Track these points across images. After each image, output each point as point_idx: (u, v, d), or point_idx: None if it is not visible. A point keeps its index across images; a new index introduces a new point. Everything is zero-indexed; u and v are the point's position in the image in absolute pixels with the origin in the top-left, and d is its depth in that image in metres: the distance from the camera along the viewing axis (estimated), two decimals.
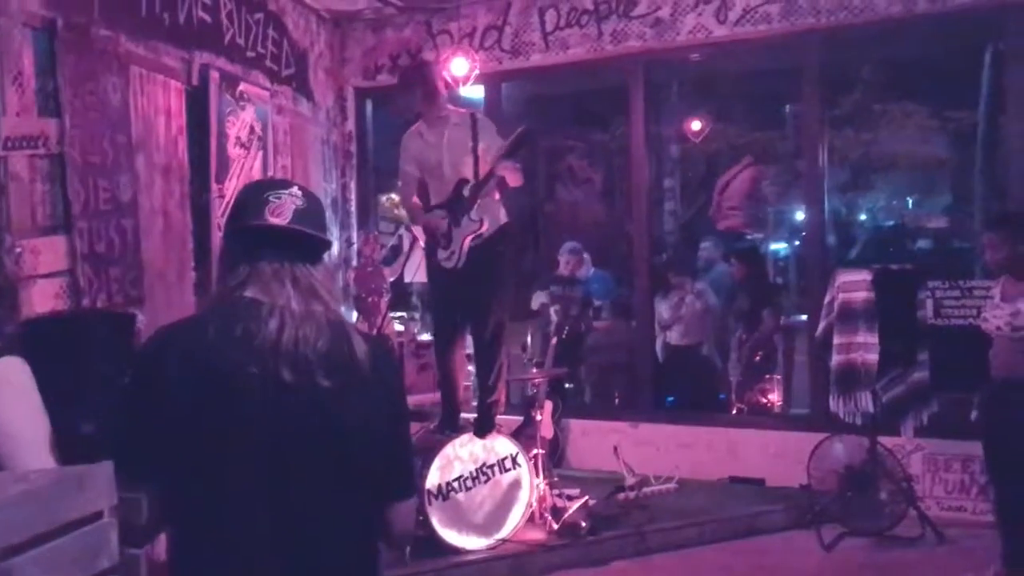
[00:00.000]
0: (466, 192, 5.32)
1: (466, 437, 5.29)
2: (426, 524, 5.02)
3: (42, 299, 4.40)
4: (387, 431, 1.92)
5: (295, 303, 1.85)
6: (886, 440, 5.81)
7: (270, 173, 6.54)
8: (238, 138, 6.10)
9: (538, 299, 8.29)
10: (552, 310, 8.04)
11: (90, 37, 4.78)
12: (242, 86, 6.18)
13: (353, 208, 7.96)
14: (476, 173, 5.36)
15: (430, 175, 5.54)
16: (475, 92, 7.65)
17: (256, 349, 1.78)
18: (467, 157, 5.40)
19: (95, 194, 4.75)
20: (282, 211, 1.91)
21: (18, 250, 4.06)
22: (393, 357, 1.99)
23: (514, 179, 5.40)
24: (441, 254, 5.40)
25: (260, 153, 6.40)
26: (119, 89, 5.00)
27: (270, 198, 1.93)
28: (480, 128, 5.43)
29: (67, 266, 4.57)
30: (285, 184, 2.03)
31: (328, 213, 7.50)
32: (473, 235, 5.30)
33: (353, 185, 7.98)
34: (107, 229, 4.85)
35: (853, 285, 5.85)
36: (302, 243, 1.93)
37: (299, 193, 1.96)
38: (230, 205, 2.06)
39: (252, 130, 6.28)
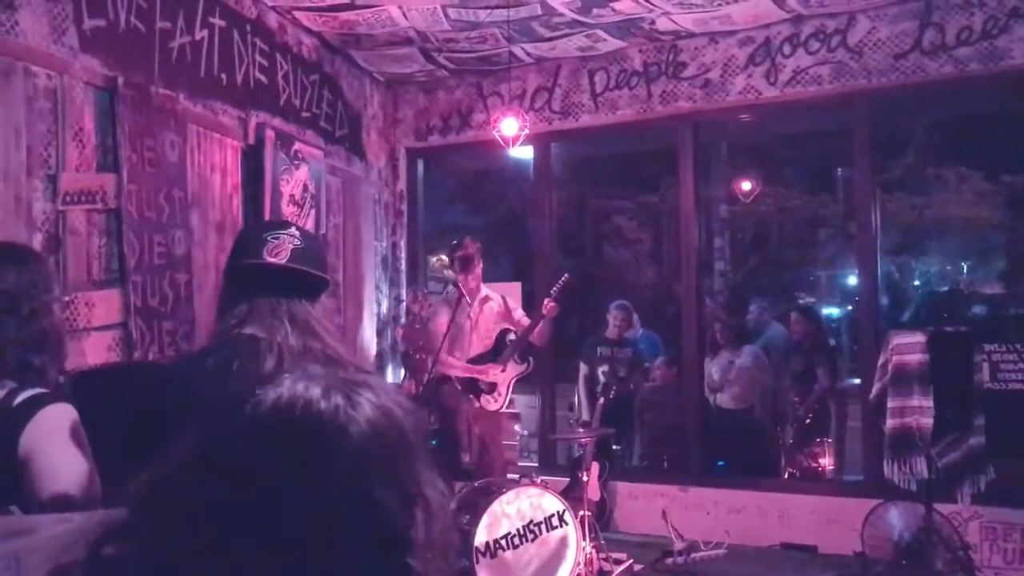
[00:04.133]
0: (508, 341, 6.27)
1: (512, 494, 5.25)
2: None
3: (95, 351, 4.45)
4: None
5: (292, 339, 1.87)
6: (942, 507, 5.66)
7: (322, 231, 6.61)
8: (292, 196, 6.19)
9: (582, 370, 8.27)
10: (600, 371, 8.00)
11: (149, 96, 4.90)
12: (297, 145, 6.28)
13: (403, 266, 8.02)
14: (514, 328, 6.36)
15: (454, 338, 6.23)
16: (525, 152, 7.72)
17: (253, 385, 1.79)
18: (496, 324, 6.35)
19: (150, 249, 4.83)
20: (280, 251, 1.95)
21: (67, 298, 4.12)
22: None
23: (551, 312, 6.21)
24: (485, 398, 6.21)
25: (313, 211, 6.48)
26: (177, 146, 5.10)
27: (268, 238, 1.98)
28: (505, 302, 6.38)
29: (120, 319, 4.63)
30: (284, 225, 2.07)
31: (378, 271, 7.58)
32: (520, 375, 6.36)
33: (403, 243, 8.04)
34: (161, 283, 4.92)
35: (907, 347, 5.74)
36: (300, 282, 1.96)
37: (297, 233, 2.01)
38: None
39: (305, 188, 6.37)
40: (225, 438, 0.86)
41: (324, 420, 0.83)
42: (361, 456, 0.83)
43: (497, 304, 6.37)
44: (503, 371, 6.22)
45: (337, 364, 1.89)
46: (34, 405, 2.11)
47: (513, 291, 7.56)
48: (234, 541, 0.78)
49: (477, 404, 6.18)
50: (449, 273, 6.46)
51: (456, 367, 6.21)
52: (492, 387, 6.23)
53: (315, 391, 0.86)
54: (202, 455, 0.86)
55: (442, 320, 6.17)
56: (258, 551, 0.78)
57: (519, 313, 6.45)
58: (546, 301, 6.16)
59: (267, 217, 5.92)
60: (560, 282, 6.28)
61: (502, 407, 6.27)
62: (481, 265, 6.28)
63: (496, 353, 6.28)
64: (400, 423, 0.88)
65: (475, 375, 6.21)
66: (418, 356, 6.98)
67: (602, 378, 7.90)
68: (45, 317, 2.28)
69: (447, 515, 0.91)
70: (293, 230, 2.01)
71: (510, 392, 6.32)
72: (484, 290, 6.38)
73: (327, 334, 1.95)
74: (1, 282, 2.23)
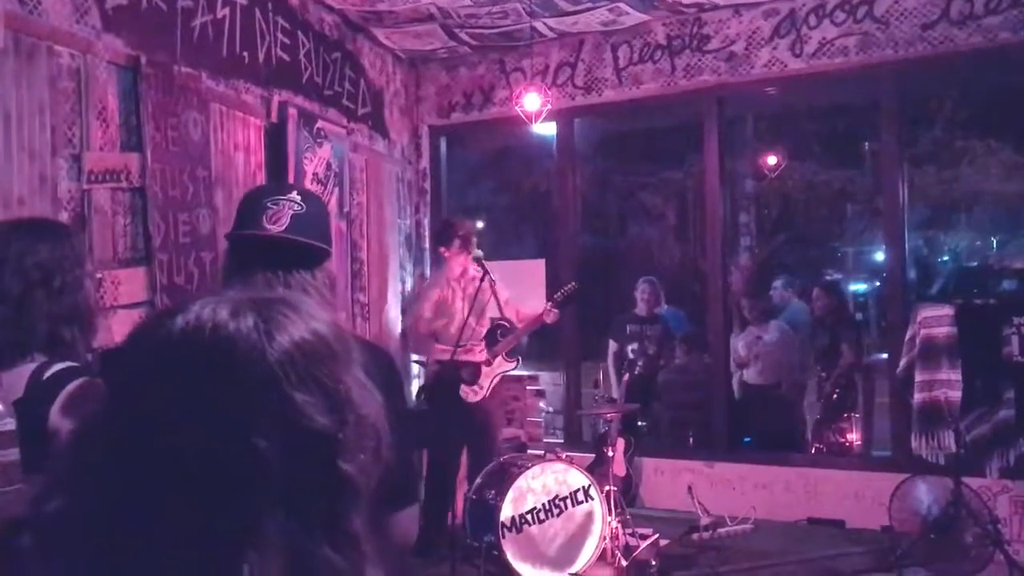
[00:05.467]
0: (500, 335, 6.13)
1: (538, 469, 5.26)
2: (500, 557, 4.99)
3: (121, 329, 4.47)
4: None
5: None
6: (971, 481, 5.61)
7: (346, 209, 6.63)
8: (315, 174, 6.19)
9: (611, 347, 8.24)
10: (629, 348, 7.98)
11: (172, 75, 4.90)
12: (319, 123, 6.28)
13: (427, 244, 8.01)
14: (504, 318, 6.22)
15: (441, 317, 6.20)
16: (548, 129, 7.68)
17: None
18: (488, 307, 6.16)
19: (175, 227, 4.85)
20: (279, 217, 1.91)
21: (99, 276, 4.15)
22: (392, 363, 2.01)
23: (553, 319, 6.18)
24: (464, 389, 6.03)
25: (336, 189, 6.49)
26: (200, 125, 5.11)
27: (268, 204, 1.93)
28: (497, 286, 6.09)
29: (147, 297, 4.66)
30: (285, 189, 2.02)
31: (402, 250, 7.59)
32: (507, 372, 6.24)
33: (427, 221, 8.04)
34: (186, 261, 4.94)
35: (935, 320, 5.69)
36: (299, 250, 1.92)
37: (298, 199, 1.95)
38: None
39: (329, 166, 6.37)
40: (135, 371, 0.86)
41: (234, 340, 0.83)
42: (279, 367, 0.83)
43: (487, 283, 6.11)
44: (488, 364, 6.09)
45: None
46: (63, 379, 2.13)
47: (537, 268, 7.55)
48: (159, 471, 0.79)
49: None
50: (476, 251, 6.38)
51: (441, 351, 6.05)
52: (474, 378, 6.07)
53: (223, 313, 0.85)
54: (114, 393, 0.87)
55: (429, 302, 6.16)
56: (184, 474, 0.79)
57: (505, 295, 6.25)
58: (549, 306, 6.11)
59: None
60: (566, 289, 6.21)
61: (481, 400, 6.10)
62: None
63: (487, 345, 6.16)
64: (323, 335, 0.88)
65: (462, 356, 5.98)
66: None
67: (631, 355, 7.89)
68: (77, 291, 2.30)
69: (379, 420, 0.91)
70: (294, 195, 1.96)
71: (491, 386, 6.15)
72: (472, 269, 6.22)
73: (325, 303, 1.92)
74: (34, 255, 2.25)
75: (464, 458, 6.21)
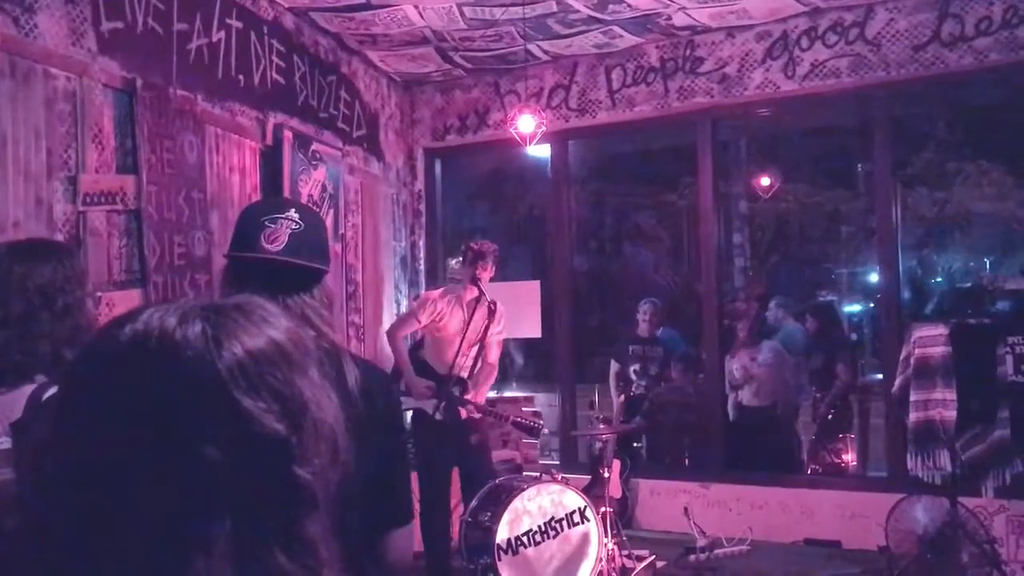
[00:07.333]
0: (456, 391, 5.53)
1: (534, 491, 5.24)
2: None
3: None
4: (380, 457, 1.82)
5: None
6: (967, 500, 5.60)
7: (341, 231, 6.64)
8: (310, 196, 6.20)
9: (613, 367, 8.22)
10: (632, 369, 7.96)
11: (168, 97, 4.92)
12: (315, 146, 6.30)
13: (422, 266, 8.02)
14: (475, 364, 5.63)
15: (436, 336, 5.70)
16: (542, 151, 7.71)
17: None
18: (477, 339, 5.60)
19: (170, 249, 4.85)
20: (277, 237, 1.89)
21: (98, 294, 4.16)
22: (389, 383, 1.96)
23: (466, 416, 5.61)
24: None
25: (331, 211, 6.50)
26: (195, 147, 5.12)
27: (266, 223, 1.91)
28: (497, 317, 5.58)
29: None
30: (283, 207, 2.00)
31: (397, 271, 7.60)
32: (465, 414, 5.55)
33: (422, 243, 8.05)
34: (181, 284, 4.93)
35: (930, 340, 5.70)
36: (297, 271, 1.90)
37: (296, 216, 1.93)
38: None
39: (324, 189, 6.39)
40: (84, 381, 0.86)
41: (180, 347, 0.82)
42: (227, 373, 0.82)
43: (487, 310, 5.57)
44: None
45: (331, 355, 1.82)
46: None
47: (532, 290, 7.56)
48: (106, 481, 0.79)
49: None
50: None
51: (399, 357, 5.72)
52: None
53: (171, 320, 0.84)
54: (64, 404, 0.87)
55: (426, 315, 5.66)
56: (132, 483, 0.79)
57: (497, 337, 5.79)
58: (478, 409, 5.64)
59: None
60: (529, 422, 5.86)
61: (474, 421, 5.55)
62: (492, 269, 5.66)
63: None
64: (276, 340, 0.88)
65: (406, 380, 5.61)
66: None
67: (634, 376, 7.88)
68: (78, 312, 2.30)
69: (336, 424, 0.90)
70: (292, 213, 1.93)
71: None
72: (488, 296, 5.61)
73: (323, 323, 1.90)
74: (37, 277, 2.25)
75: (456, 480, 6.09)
